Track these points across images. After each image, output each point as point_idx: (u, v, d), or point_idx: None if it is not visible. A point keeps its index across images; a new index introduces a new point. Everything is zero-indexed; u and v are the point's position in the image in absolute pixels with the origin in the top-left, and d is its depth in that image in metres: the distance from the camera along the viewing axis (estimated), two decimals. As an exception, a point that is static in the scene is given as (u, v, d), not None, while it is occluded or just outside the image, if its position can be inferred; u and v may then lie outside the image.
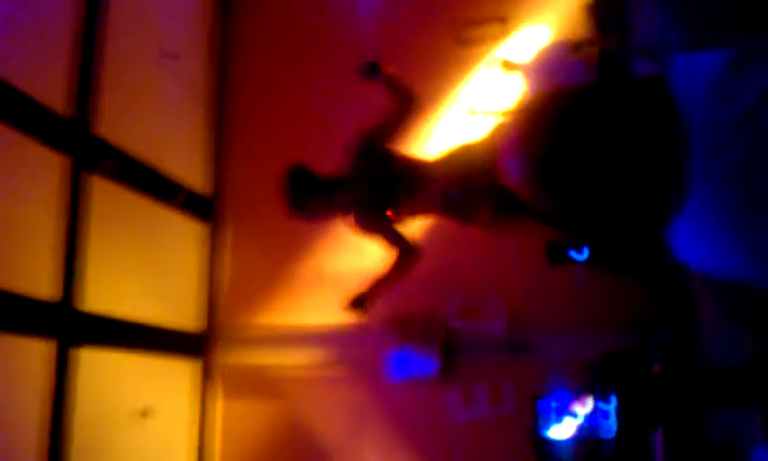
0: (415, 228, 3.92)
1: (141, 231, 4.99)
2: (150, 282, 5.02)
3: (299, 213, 3.75)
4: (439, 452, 4.94)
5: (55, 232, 4.21)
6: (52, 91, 4.26)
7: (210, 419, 5.46)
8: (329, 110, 5.50)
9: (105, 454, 4.49)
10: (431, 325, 4.87)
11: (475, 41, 5.14)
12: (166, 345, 5.15)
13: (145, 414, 4.77)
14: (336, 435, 5.21)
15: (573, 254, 3.85)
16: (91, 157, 4.51)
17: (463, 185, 3.49)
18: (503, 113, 4.91)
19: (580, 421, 3.98)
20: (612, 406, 3.85)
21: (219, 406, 5.50)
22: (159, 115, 5.25)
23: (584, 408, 3.98)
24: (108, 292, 4.59)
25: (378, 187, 3.66)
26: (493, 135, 3.56)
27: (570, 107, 1.26)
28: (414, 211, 3.75)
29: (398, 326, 4.89)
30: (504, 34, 5.02)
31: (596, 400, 3.95)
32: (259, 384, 5.41)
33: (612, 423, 3.83)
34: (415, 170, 3.70)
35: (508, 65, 4.66)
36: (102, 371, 4.50)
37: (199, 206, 5.62)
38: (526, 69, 4.54)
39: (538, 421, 4.06)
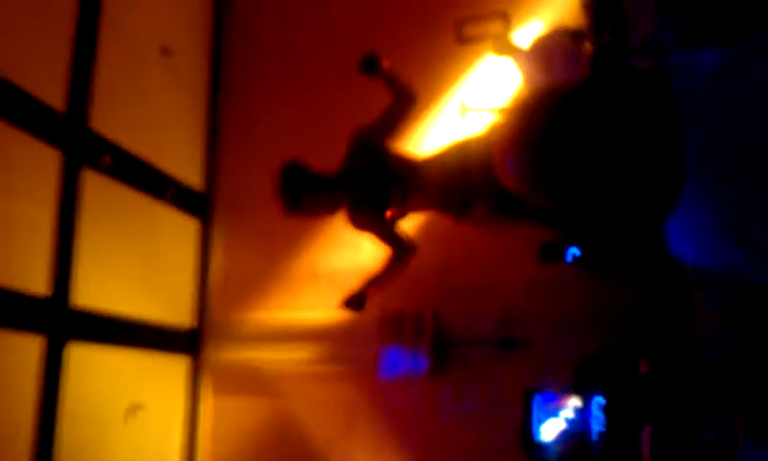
0: (408, 224, 3.91)
1: (134, 227, 4.98)
2: (142, 278, 5.01)
3: (293, 210, 3.73)
4: (429, 450, 4.93)
5: (47, 228, 4.20)
6: (47, 86, 4.25)
7: (201, 415, 5.45)
8: (324, 108, 5.49)
9: (95, 451, 4.48)
10: (422, 322, 4.86)
11: (475, 39, 5.13)
12: (158, 341, 5.14)
13: (135, 410, 4.75)
14: (327, 432, 5.20)
15: (568, 252, 3.84)
16: (86, 152, 4.49)
17: (458, 183, 3.48)
18: (500, 111, 4.90)
19: (570, 418, 3.98)
20: (600, 405, 3.85)
21: (209, 403, 5.49)
22: (154, 111, 5.24)
23: (573, 406, 3.98)
24: (100, 288, 4.58)
25: (374, 184, 3.65)
26: (489, 133, 3.55)
27: (566, 103, 1.25)
28: (409, 208, 3.74)
29: (389, 323, 4.89)
30: (504, 31, 5.00)
31: (585, 398, 3.95)
32: (251, 381, 5.40)
33: (601, 421, 3.83)
34: (410, 167, 3.69)
35: (500, 47, 4.62)
36: (92, 367, 4.48)
37: (192, 202, 5.61)
38: (521, 54, 4.52)
39: (528, 418, 4.06)
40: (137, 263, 4.97)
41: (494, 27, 4.98)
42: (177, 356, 5.37)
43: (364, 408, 5.12)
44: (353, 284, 3.81)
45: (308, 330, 5.29)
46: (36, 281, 4.13)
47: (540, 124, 1.25)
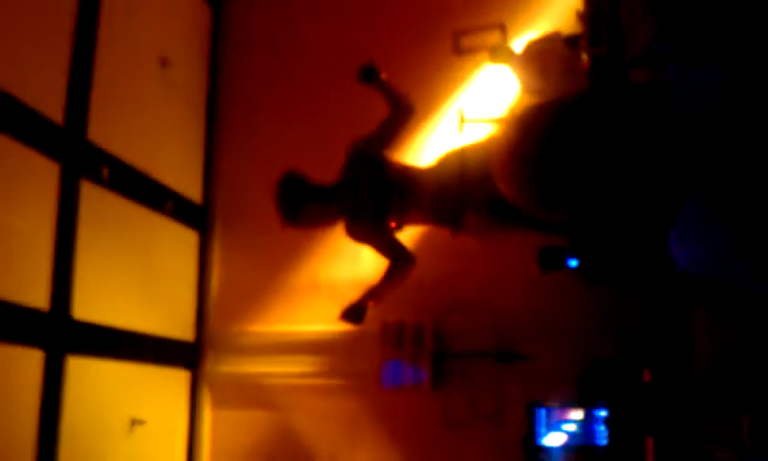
0: (406, 237, 3.91)
1: (132, 239, 4.98)
2: (141, 291, 5.00)
3: (292, 221, 3.72)
4: (430, 462, 4.93)
5: (46, 240, 4.19)
6: (46, 98, 4.26)
7: (201, 429, 5.43)
8: (323, 119, 5.50)
9: (94, 464, 4.47)
10: (422, 334, 4.86)
11: (472, 49, 5.14)
12: (157, 354, 5.13)
13: (134, 423, 4.73)
14: (328, 445, 5.18)
15: (568, 262, 3.84)
16: (84, 164, 4.50)
17: (456, 192, 3.48)
18: (497, 121, 4.91)
19: (572, 429, 3.97)
20: (603, 415, 3.84)
21: (209, 416, 5.48)
22: (153, 123, 5.24)
23: (576, 419, 3.97)
24: (99, 301, 4.57)
25: (372, 195, 3.64)
26: (488, 143, 3.55)
27: (564, 116, 1.25)
28: (407, 219, 3.73)
29: (390, 335, 4.88)
30: (501, 40, 5.01)
31: (588, 410, 3.94)
32: (251, 394, 5.39)
33: (604, 431, 3.82)
34: (408, 178, 3.69)
35: (497, 55, 4.63)
36: (92, 380, 4.48)
37: (191, 214, 5.61)
38: (517, 60, 4.53)
39: (530, 429, 4.05)
40: (136, 276, 4.96)
41: (491, 37, 5.00)
42: (176, 369, 5.36)
43: (364, 421, 5.10)
44: (353, 296, 3.80)
45: (308, 343, 5.28)
46: (36, 294, 4.12)
47: (538, 136, 1.25)
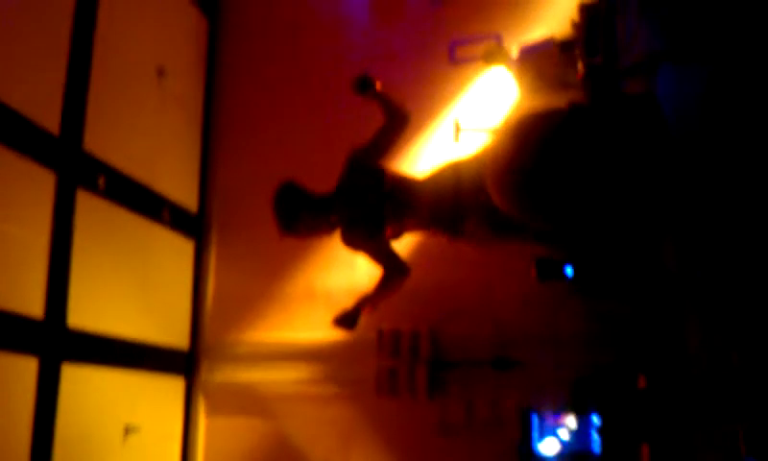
0: (403, 244, 3.92)
1: (128, 248, 4.97)
2: (136, 300, 5.00)
3: (289, 230, 3.73)
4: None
5: (41, 249, 4.19)
6: (42, 108, 4.26)
7: (196, 437, 5.42)
8: (318, 128, 5.51)
9: (90, 472, 4.46)
10: (418, 341, 4.86)
11: (468, 59, 5.16)
12: (152, 362, 5.12)
13: (129, 431, 4.72)
14: (324, 453, 5.18)
15: (564, 271, 3.85)
16: (80, 173, 4.50)
17: (451, 202, 3.49)
18: (493, 131, 4.92)
19: (566, 437, 3.98)
20: (596, 422, 3.85)
21: (205, 424, 5.47)
22: (148, 132, 5.25)
23: (570, 425, 3.97)
24: (95, 309, 4.57)
25: (369, 204, 3.65)
26: (482, 153, 3.56)
27: (557, 127, 1.26)
28: (403, 228, 3.75)
29: (386, 342, 4.88)
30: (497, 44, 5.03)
31: (582, 416, 3.95)
32: (246, 402, 5.38)
33: (597, 439, 3.83)
34: (405, 187, 3.70)
35: (491, 56, 4.65)
36: (87, 388, 4.47)
37: (187, 223, 5.61)
38: (513, 61, 4.55)
39: (525, 436, 4.05)
40: (132, 284, 4.96)
41: (487, 45, 5.02)
42: (172, 377, 5.35)
43: (360, 429, 5.10)
44: (349, 304, 3.81)
45: (304, 351, 5.28)
46: (31, 303, 4.11)
47: (531, 146, 1.26)
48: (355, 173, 3.73)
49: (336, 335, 4.29)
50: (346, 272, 5.04)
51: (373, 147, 3.73)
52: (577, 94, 4.11)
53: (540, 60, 4.41)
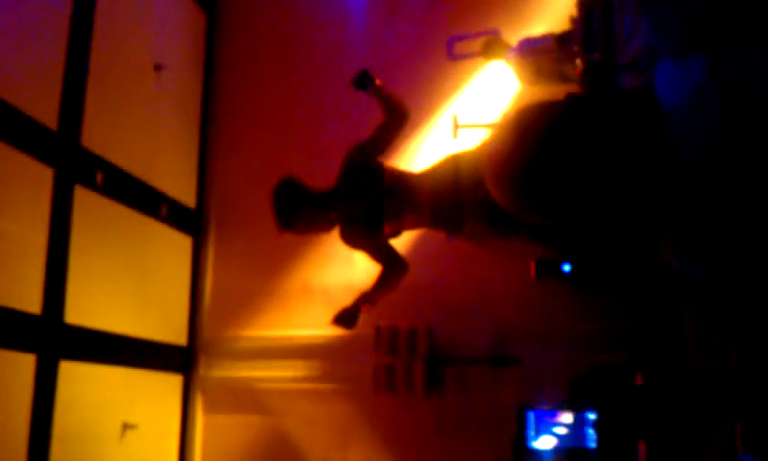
0: (402, 241, 3.92)
1: (126, 244, 4.97)
2: (134, 296, 4.99)
3: (288, 227, 3.73)
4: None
5: (39, 245, 4.19)
6: (40, 104, 4.25)
7: (194, 433, 5.42)
8: (316, 124, 5.51)
9: (86, 469, 4.46)
10: (416, 338, 4.86)
11: (467, 56, 5.16)
12: (150, 359, 5.12)
13: (127, 428, 4.72)
14: (321, 450, 5.18)
15: (562, 268, 3.85)
16: (78, 169, 4.49)
17: (450, 198, 3.48)
18: (492, 127, 4.92)
19: (562, 432, 3.98)
20: (592, 418, 3.86)
21: (202, 421, 5.47)
22: (147, 128, 5.24)
23: (567, 422, 3.98)
24: (92, 306, 4.56)
25: (368, 200, 3.65)
26: (481, 148, 3.56)
27: (558, 118, 1.26)
28: (402, 224, 3.74)
29: (383, 339, 4.88)
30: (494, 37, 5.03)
31: (579, 413, 3.95)
32: (244, 399, 5.38)
33: (593, 434, 3.83)
34: (404, 184, 3.69)
35: (489, 50, 4.65)
36: (85, 385, 4.47)
37: (185, 219, 5.60)
38: (511, 54, 4.55)
39: (521, 432, 4.06)
40: (130, 281, 4.96)
41: (486, 39, 5.01)
42: (169, 374, 5.35)
43: (358, 425, 5.10)
44: (347, 302, 3.80)
45: (301, 348, 5.28)
46: (29, 299, 4.11)
47: (532, 139, 1.25)
48: (354, 169, 3.72)
49: (334, 332, 4.28)
50: (343, 269, 5.04)
51: (372, 143, 3.73)
52: (576, 88, 4.11)
53: (539, 55, 4.41)
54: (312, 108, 5.59)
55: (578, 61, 4.12)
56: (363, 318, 3.84)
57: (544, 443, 4.02)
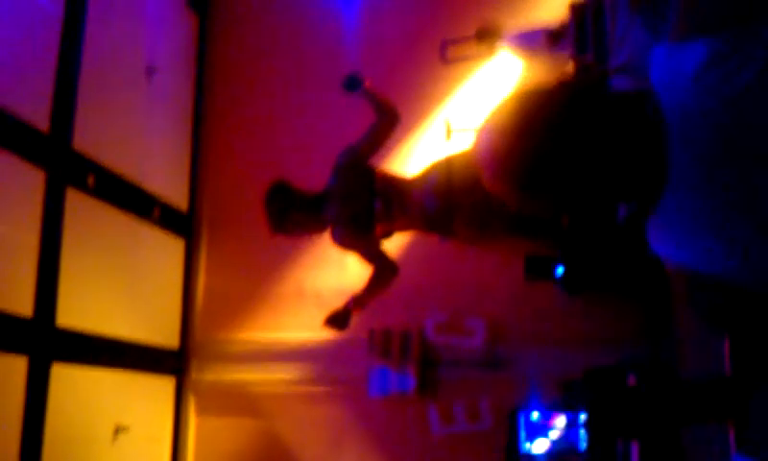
0: (394, 243, 3.92)
1: (118, 247, 4.95)
2: (126, 299, 4.98)
3: (280, 229, 3.74)
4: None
5: (31, 248, 4.17)
6: (31, 107, 4.23)
7: (184, 436, 5.41)
8: (308, 127, 5.51)
9: (79, 472, 4.44)
10: (409, 341, 4.86)
11: (460, 59, 5.17)
12: (142, 361, 5.10)
13: (119, 431, 4.70)
14: (314, 452, 5.17)
15: (554, 270, 3.86)
16: (70, 172, 4.48)
17: (442, 201, 3.50)
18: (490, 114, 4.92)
19: (555, 435, 3.99)
20: (583, 420, 3.86)
21: (193, 423, 5.45)
22: (138, 131, 5.22)
23: (558, 423, 3.98)
24: (84, 308, 4.55)
25: (359, 203, 3.66)
26: (475, 144, 3.56)
27: (549, 107, 1.25)
28: (394, 227, 3.75)
29: (376, 342, 4.88)
30: (489, 51, 5.04)
31: (571, 415, 3.96)
32: (236, 402, 5.37)
33: (584, 436, 3.84)
34: (395, 186, 3.71)
35: (483, 33, 4.67)
36: (77, 388, 4.45)
37: (177, 222, 5.59)
38: (505, 40, 4.58)
39: (513, 435, 4.06)
40: (122, 283, 4.94)
41: (479, 47, 5.02)
42: (161, 377, 5.33)
43: (350, 428, 5.10)
44: (339, 304, 3.81)
45: (294, 351, 5.27)
46: (20, 302, 4.09)
47: (523, 127, 1.25)
48: (346, 172, 3.73)
49: (327, 335, 4.29)
50: (336, 271, 5.04)
51: (363, 146, 3.74)
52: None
53: (531, 52, 4.45)
54: (304, 110, 5.59)
55: (570, 65, 4.14)
56: (356, 320, 3.85)
57: (537, 446, 4.02)
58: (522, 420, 4.06)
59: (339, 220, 3.71)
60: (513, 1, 5.20)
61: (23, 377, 4.05)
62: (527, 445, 4.03)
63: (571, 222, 3.28)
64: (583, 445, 3.85)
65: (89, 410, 4.57)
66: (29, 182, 4.20)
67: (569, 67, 4.15)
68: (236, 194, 5.58)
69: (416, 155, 5.12)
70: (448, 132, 4.93)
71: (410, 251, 4.58)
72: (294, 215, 3.72)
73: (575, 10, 4.13)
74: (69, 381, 4.36)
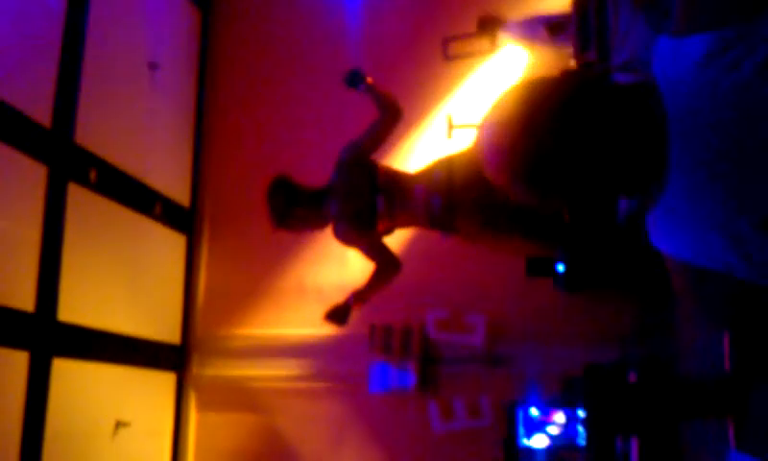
0: (396, 239, 3.92)
1: (120, 242, 4.96)
2: (127, 294, 4.98)
3: (282, 225, 3.74)
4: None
5: (33, 243, 4.18)
6: (33, 102, 4.24)
7: (185, 431, 5.41)
8: (310, 123, 5.51)
9: (79, 466, 4.45)
10: (410, 337, 4.87)
11: (461, 56, 5.17)
12: (143, 357, 5.11)
13: (120, 426, 4.71)
14: (315, 448, 5.18)
15: (555, 267, 3.86)
16: (72, 167, 4.49)
17: (444, 198, 3.49)
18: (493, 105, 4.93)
19: (554, 431, 4.00)
20: (582, 416, 3.87)
21: (193, 418, 5.46)
22: (141, 127, 5.23)
23: (557, 419, 3.99)
24: (86, 304, 4.56)
25: (362, 199, 3.66)
26: (477, 135, 3.56)
27: (552, 98, 1.25)
28: (396, 223, 3.75)
29: (377, 338, 4.89)
30: (491, 48, 5.04)
31: (568, 409, 3.96)
32: (237, 397, 5.37)
33: (583, 432, 3.85)
34: (397, 182, 3.70)
35: (484, 23, 4.67)
36: (78, 383, 4.46)
37: (179, 218, 5.59)
38: (506, 30, 4.59)
39: (512, 430, 4.07)
40: (123, 279, 4.95)
41: (480, 44, 5.02)
42: (162, 372, 5.34)
43: (351, 424, 5.10)
44: (340, 300, 3.82)
45: (294, 346, 5.28)
46: (22, 297, 4.10)
47: (525, 120, 1.25)
48: (348, 167, 3.73)
49: (327, 330, 4.29)
50: (337, 267, 5.04)
51: (366, 141, 3.73)
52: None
53: (531, 43, 4.46)
54: (306, 106, 5.59)
55: (572, 62, 4.13)
56: (357, 316, 3.86)
57: (536, 442, 4.03)
58: (521, 415, 4.07)
59: (341, 216, 3.71)
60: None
61: (24, 372, 4.06)
62: (526, 441, 4.04)
63: (572, 218, 3.28)
64: (581, 440, 3.86)
65: (90, 405, 4.58)
66: (31, 177, 4.21)
67: (572, 65, 4.15)
68: (238, 190, 5.58)
69: (418, 151, 5.12)
70: (450, 128, 4.92)
71: (411, 247, 4.58)
72: (296, 210, 3.72)
73: (577, 5, 4.12)
74: (70, 376, 4.37)
